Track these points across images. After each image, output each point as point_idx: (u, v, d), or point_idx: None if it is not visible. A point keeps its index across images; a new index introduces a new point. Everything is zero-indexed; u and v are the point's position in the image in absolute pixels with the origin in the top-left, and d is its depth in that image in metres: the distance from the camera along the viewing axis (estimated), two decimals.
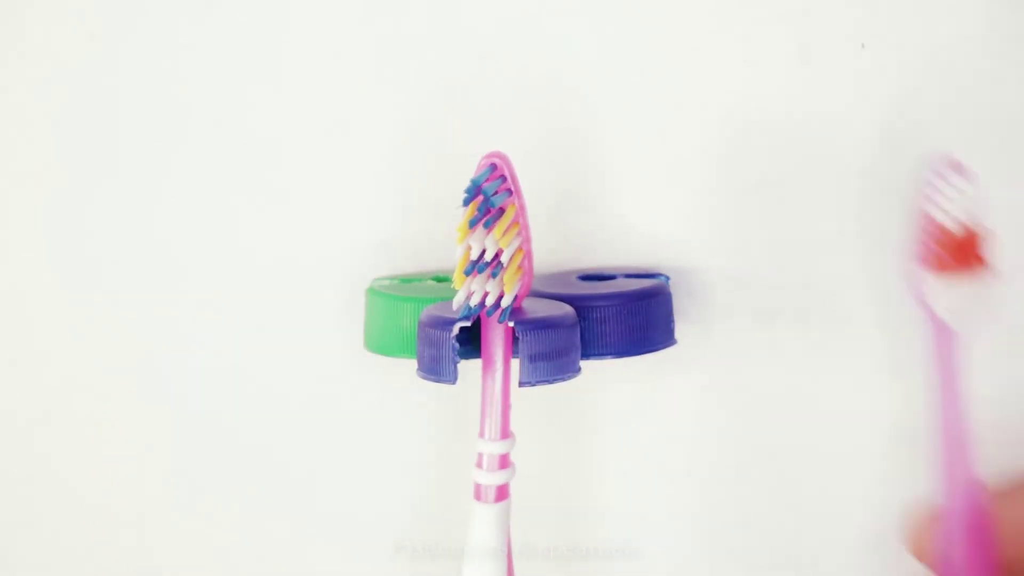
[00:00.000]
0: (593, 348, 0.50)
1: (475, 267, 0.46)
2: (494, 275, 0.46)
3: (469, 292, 0.47)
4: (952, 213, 0.49)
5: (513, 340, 0.48)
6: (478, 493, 0.48)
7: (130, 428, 0.60)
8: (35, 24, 0.58)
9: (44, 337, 0.60)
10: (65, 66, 0.58)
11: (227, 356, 0.59)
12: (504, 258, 0.46)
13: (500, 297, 0.47)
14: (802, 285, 0.55)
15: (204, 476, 0.60)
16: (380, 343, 0.54)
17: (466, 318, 0.47)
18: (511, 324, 0.47)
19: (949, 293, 0.49)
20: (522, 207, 0.47)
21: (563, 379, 0.48)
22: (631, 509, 0.58)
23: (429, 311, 0.49)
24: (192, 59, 0.58)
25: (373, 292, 0.55)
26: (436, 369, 0.47)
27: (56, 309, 0.60)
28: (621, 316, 0.50)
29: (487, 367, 0.48)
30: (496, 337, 0.48)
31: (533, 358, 0.47)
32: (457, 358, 0.47)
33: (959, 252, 0.49)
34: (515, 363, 0.48)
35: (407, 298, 0.53)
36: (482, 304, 0.47)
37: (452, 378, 0.47)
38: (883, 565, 0.56)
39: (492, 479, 0.48)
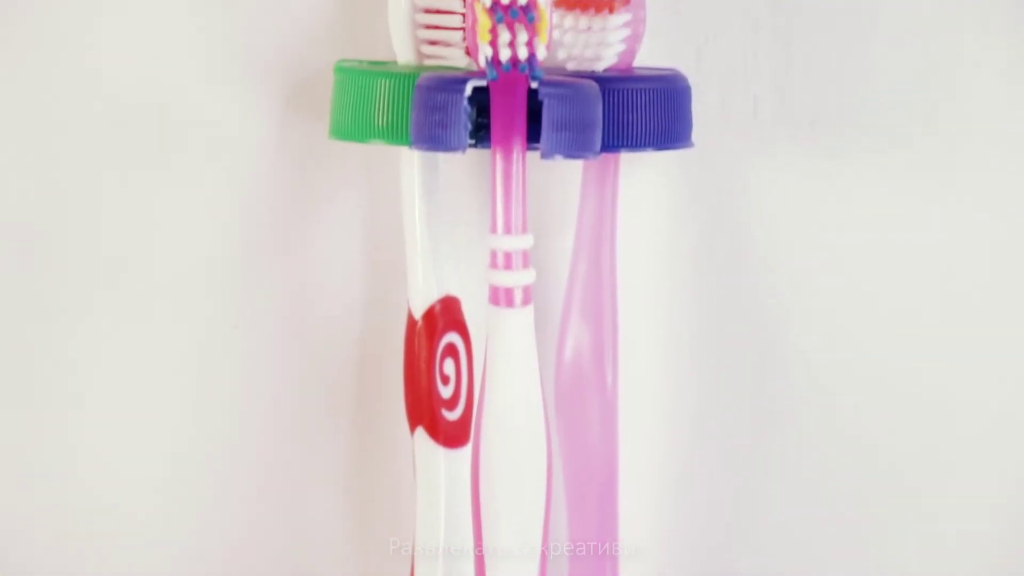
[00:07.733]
0: (615, 138, 0.47)
1: (507, 12, 0.41)
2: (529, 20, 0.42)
3: (498, 46, 0.41)
4: None
5: (529, 116, 0.42)
6: (498, 297, 0.43)
7: (127, 426, 0.59)
8: None
9: (42, 335, 0.58)
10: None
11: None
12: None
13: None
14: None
15: (202, 475, 0.59)
16: (350, 127, 0.48)
17: (491, 78, 0.42)
18: (534, 85, 0.42)
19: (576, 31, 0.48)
20: None
21: (583, 156, 0.44)
22: (631, 509, 0.56)
23: (428, 76, 0.44)
24: None
25: (342, 70, 0.48)
26: (441, 138, 0.42)
27: (53, 306, 0.58)
28: (646, 105, 0.47)
29: (503, 145, 0.42)
30: (513, 108, 0.42)
31: (556, 126, 0.42)
32: (468, 123, 0.42)
33: None
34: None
35: (385, 74, 0.47)
36: (513, 61, 0.41)
37: (461, 144, 0.42)
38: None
39: (519, 279, 0.42)
